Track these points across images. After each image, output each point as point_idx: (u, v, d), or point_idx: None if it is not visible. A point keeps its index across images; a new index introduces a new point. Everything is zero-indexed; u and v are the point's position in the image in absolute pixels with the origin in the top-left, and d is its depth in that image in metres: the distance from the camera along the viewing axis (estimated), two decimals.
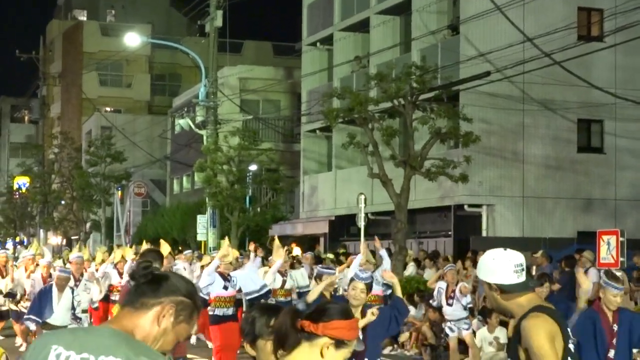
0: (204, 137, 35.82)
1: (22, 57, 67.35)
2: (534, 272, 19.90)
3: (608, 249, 18.90)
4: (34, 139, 77.73)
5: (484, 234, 29.72)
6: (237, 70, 46.04)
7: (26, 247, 38.43)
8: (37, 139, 76.83)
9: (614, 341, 8.54)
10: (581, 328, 8.44)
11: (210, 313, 15.39)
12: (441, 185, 28.89)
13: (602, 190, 30.81)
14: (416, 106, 25.94)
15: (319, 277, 13.36)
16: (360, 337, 8.67)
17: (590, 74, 28.48)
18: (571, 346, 4.94)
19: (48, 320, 15.68)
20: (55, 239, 59.91)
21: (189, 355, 17.26)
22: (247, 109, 42.38)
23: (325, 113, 28.34)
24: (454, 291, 17.16)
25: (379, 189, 27.90)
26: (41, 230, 63.10)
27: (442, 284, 17.50)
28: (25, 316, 16.93)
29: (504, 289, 5.01)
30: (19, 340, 21.03)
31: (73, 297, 16.01)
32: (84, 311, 17.02)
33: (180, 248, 33.88)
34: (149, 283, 3.50)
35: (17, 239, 63.32)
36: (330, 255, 27.00)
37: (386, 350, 19.50)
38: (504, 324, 17.59)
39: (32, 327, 16.46)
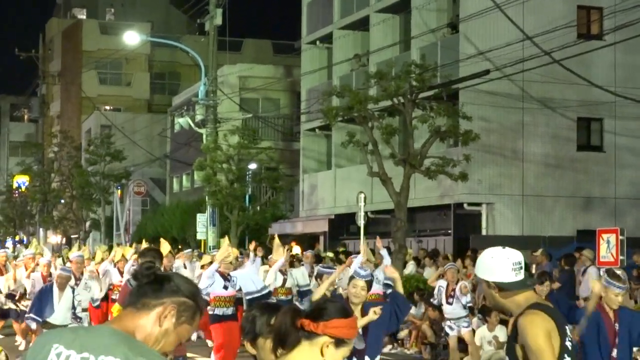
0: (204, 136, 35.78)
1: (22, 55, 67.34)
2: (533, 271, 19.93)
3: (608, 247, 18.89)
4: (33, 137, 77.68)
5: (483, 232, 29.71)
6: (237, 68, 46.01)
7: (26, 246, 38.44)
8: (36, 137, 76.80)
9: (616, 340, 8.56)
10: (585, 328, 8.46)
11: (210, 312, 15.39)
12: (441, 184, 28.89)
13: (601, 189, 30.79)
14: (416, 104, 25.91)
15: (319, 277, 13.36)
16: (361, 334, 8.67)
17: (589, 72, 28.47)
18: (568, 344, 4.95)
19: (48, 320, 15.67)
20: (55, 238, 59.83)
21: (189, 354, 17.25)
22: (246, 107, 42.36)
23: (324, 111, 28.30)
24: (454, 290, 17.18)
25: (379, 187, 27.90)
26: (41, 229, 63.05)
27: (442, 283, 17.53)
28: (26, 315, 16.93)
29: (502, 287, 5.02)
30: (18, 339, 21.03)
31: (74, 296, 16.01)
32: (84, 310, 17.04)
33: (180, 247, 33.85)
34: (151, 283, 3.50)
35: (17, 238, 63.28)
36: (330, 254, 27.01)
37: (386, 349, 19.49)
38: (503, 322, 17.57)
39: (33, 326, 16.45)
